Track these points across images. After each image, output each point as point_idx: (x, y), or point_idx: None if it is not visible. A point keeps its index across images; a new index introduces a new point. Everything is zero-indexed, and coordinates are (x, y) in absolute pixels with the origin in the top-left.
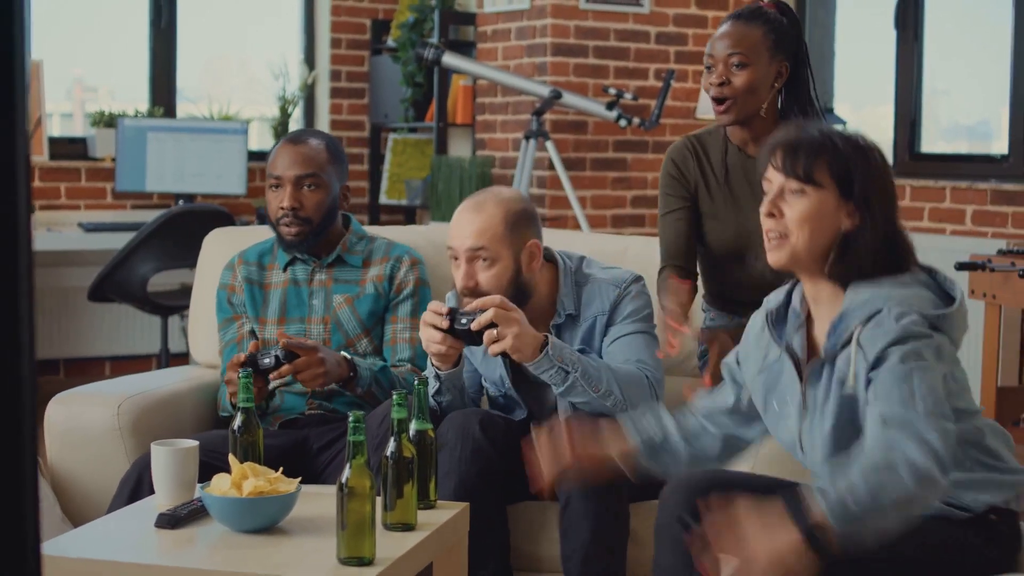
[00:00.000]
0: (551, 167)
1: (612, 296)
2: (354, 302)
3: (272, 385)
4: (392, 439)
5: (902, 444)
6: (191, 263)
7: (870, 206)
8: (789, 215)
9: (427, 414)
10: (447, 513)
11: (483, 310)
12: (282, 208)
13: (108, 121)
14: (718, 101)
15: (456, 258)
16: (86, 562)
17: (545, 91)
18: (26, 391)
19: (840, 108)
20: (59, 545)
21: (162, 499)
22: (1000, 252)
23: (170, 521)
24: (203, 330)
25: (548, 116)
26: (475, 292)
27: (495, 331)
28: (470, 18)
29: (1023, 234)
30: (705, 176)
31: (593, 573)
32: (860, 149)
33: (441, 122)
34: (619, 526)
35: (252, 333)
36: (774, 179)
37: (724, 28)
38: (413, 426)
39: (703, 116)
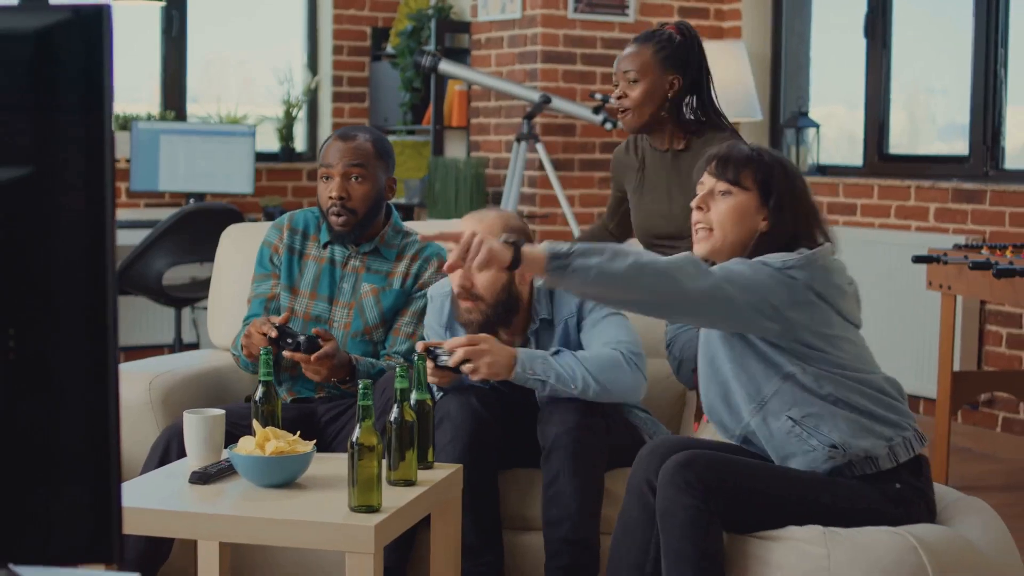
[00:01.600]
0: (541, 168)
1: (578, 298)
2: (379, 293)
3: (286, 354)
4: (395, 406)
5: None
6: (202, 258)
7: (783, 212)
8: (716, 211)
9: (426, 386)
10: (444, 472)
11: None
12: (331, 198)
13: (122, 124)
14: (620, 112)
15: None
16: (133, 510)
17: (535, 96)
18: (111, 368)
19: (815, 112)
20: None
21: (193, 460)
22: (956, 246)
23: (202, 478)
24: (221, 317)
25: (538, 120)
26: (471, 293)
27: (469, 365)
28: (465, 27)
29: (982, 230)
30: (634, 177)
31: (576, 539)
32: (781, 164)
33: (438, 125)
34: (597, 495)
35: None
36: (707, 182)
37: (624, 50)
38: (414, 395)
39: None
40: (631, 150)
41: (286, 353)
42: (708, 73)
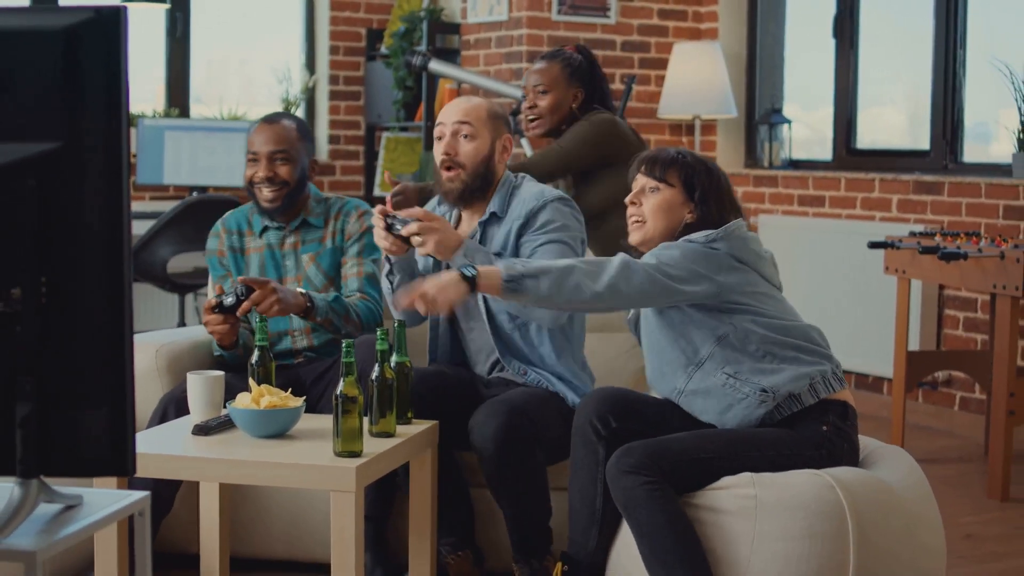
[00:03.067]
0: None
1: (531, 206)
2: (316, 259)
3: (240, 314)
4: (376, 366)
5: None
6: (205, 246)
7: (707, 203)
8: (647, 205)
9: (405, 348)
10: (420, 427)
11: (415, 220)
12: (258, 177)
13: (129, 121)
14: (530, 120)
15: (441, 137)
16: (143, 456)
17: (518, 93)
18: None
19: (788, 110)
20: None
21: (196, 416)
22: (911, 234)
23: (203, 430)
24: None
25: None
26: (454, 162)
27: (418, 239)
28: (455, 28)
29: (941, 219)
30: None
31: (518, 503)
32: (703, 164)
33: (429, 122)
34: (537, 495)
35: None
36: (639, 180)
37: (533, 66)
38: (394, 358)
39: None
40: None
41: (237, 313)
42: (606, 88)
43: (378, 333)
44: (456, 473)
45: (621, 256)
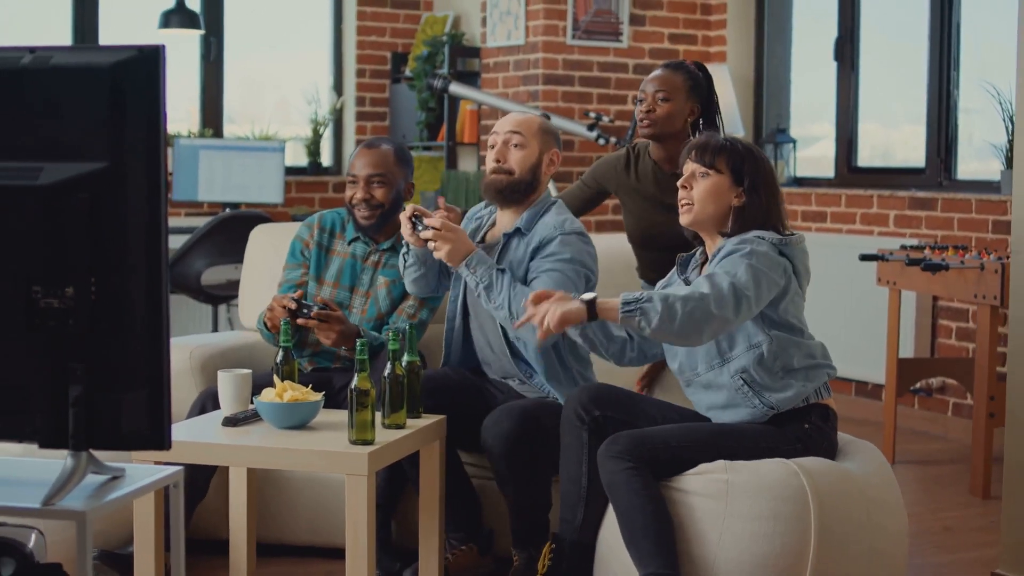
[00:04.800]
0: None
1: (547, 233)
2: (390, 285)
3: (300, 324)
4: (389, 364)
5: (705, 281)
6: (237, 259)
7: (756, 190)
8: (696, 189)
9: (415, 349)
10: (429, 420)
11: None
12: (356, 198)
13: (166, 141)
14: (644, 122)
15: (494, 145)
16: (179, 443)
17: (536, 115)
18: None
19: (794, 129)
20: None
21: (226, 410)
22: (902, 247)
23: (232, 422)
24: (250, 303)
25: None
26: (502, 169)
27: (433, 244)
28: (475, 52)
29: (934, 234)
30: (629, 179)
31: (520, 495)
32: (751, 152)
33: (451, 141)
34: (540, 493)
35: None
36: (689, 166)
37: (654, 73)
38: (405, 357)
39: None
40: (630, 162)
41: (300, 321)
42: (719, 110)
43: (390, 334)
44: (459, 469)
45: (705, 290)
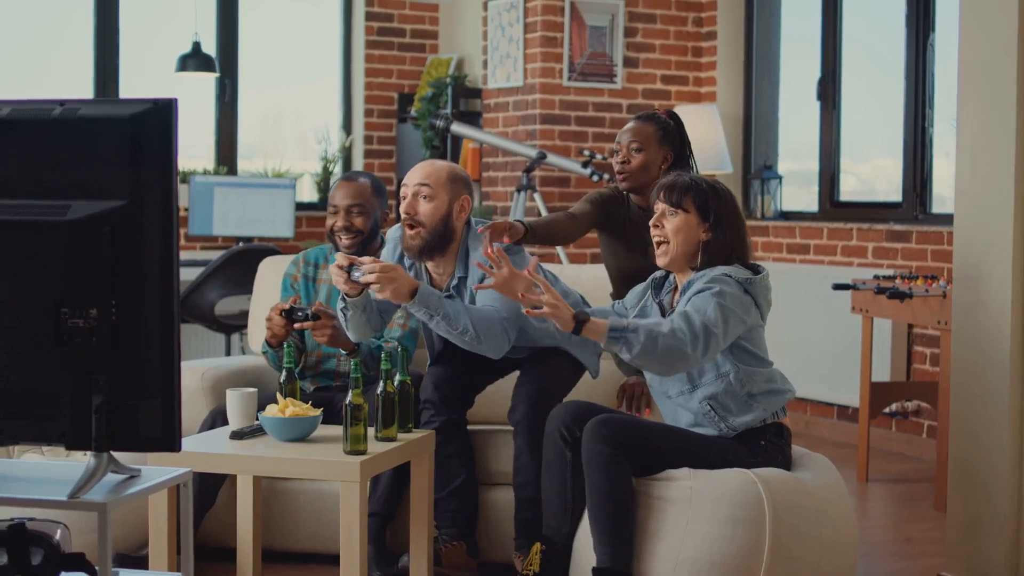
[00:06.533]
0: (539, 214)
1: (478, 260)
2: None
3: (297, 327)
4: (381, 383)
5: (682, 319)
6: (249, 290)
7: (721, 225)
8: (667, 226)
9: (406, 370)
10: (419, 434)
11: (373, 271)
12: (338, 226)
13: (182, 178)
14: (620, 173)
15: (404, 197)
16: (191, 455)
17: (533, 152)
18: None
19: (782, 165)
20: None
21: (233, 424)
22: (875, 277)
23: (239, 435)
24: (259, 330)
25: (537, 173)
26: (414, 220)
27: (376, 286)
28: (477, 93)
29: (910, 264)
30: (619, 220)
31: (537, 498)
32: (715, 190)
33: None
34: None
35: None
36: (659, 205)
37: (628, 125)
38: (397, 377)
39: None
40: (620, 201)
41: (297, 324)
42: (691, 153)
43: (382, 355)
44: (470, 468)
45: (678, 327)
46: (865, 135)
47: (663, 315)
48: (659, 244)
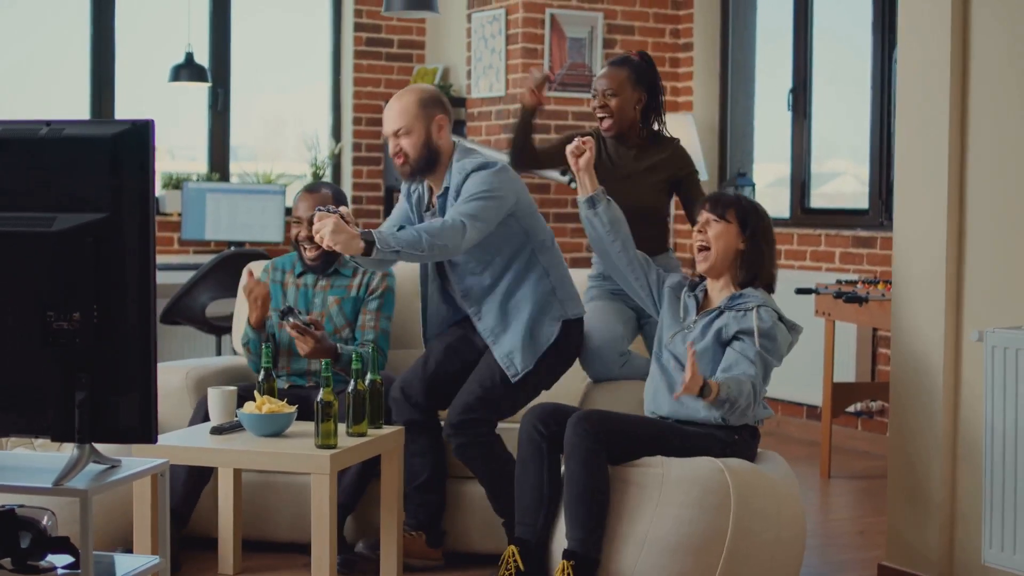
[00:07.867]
0: None
1: (456, 180)
2: (341, 302)
3: (280, 327)
4: (352, 382)
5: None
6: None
7: (755, 238)
8: (710, 232)
9: (376, 370)
10: (389, 430)
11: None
12: (302, 236)
13: (175, 184)
14: (603, 120)
15: (388, 143)
16: (175, 448)
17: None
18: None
19: (758, 172)
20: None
21: (214, 420)
22: (837, 281)
23: (219, 431)
24: (241, 326)
25: None
26: (400, 151)
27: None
28: (461, 102)
29: (875, 270)
30: (600, 160)
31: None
32: (754, 206)
33: None
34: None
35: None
36: (704, 215)
37: (602, 71)
38: (368, 376)
39: None
40: (601, 151)
41: (286, 325)
42: (663, 92)
43: (353, 355)
44: (435, 465)
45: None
46: (835, 143)
47: (697, 308)
48: (700, 249)
